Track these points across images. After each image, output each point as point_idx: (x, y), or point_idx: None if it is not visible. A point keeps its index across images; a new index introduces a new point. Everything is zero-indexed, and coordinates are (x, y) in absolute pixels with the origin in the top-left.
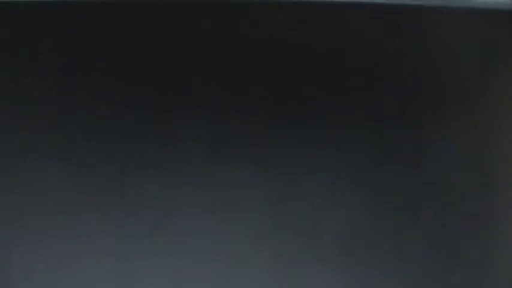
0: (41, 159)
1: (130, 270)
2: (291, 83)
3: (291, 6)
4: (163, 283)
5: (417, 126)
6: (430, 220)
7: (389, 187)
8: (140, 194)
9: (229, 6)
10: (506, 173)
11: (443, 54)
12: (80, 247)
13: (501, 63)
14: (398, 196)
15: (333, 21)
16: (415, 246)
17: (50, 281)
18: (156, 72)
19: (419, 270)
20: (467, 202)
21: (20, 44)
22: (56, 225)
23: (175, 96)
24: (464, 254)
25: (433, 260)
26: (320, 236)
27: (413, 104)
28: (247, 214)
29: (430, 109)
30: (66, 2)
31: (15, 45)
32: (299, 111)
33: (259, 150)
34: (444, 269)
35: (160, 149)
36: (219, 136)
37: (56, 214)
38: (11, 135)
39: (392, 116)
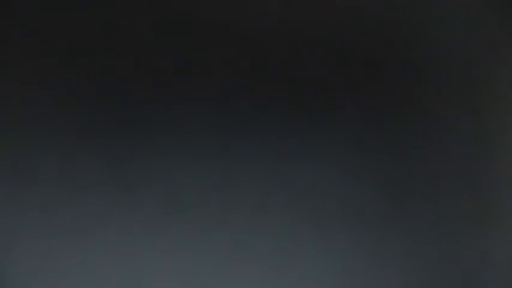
0: (41, 154)
1: (132, 266)
2: (291, 78)
3: None
4: (166, 278)
5: (419, 119)
6: (432, 213)
7: (391, 180)
8: (141, 190)
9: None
10: (508, 166)
11: (446, 45)
12: (81, 243)
13: (504, 54)
14: (399, 188)
15: (333, 12)
16: (416, 239)
17: (52, 278)
18: (156, 68)
19: (419, 261)
20: (468, 195)
21: (19, 43)
22: (57, 222)
23: (176, 92)
24: (464, 246)
25: (433, 252)
26: (322, 218)
27: (415, 98)
28: (248, 199)
29: (432, 103)
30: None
31: (15, 45)
32: (300, 106)
33: (258, 137)
34: (444, 261)
35: (162, 141)
36: (219, 131)
37: (56, 211)
38: (11, 133)
39: (395, 109)
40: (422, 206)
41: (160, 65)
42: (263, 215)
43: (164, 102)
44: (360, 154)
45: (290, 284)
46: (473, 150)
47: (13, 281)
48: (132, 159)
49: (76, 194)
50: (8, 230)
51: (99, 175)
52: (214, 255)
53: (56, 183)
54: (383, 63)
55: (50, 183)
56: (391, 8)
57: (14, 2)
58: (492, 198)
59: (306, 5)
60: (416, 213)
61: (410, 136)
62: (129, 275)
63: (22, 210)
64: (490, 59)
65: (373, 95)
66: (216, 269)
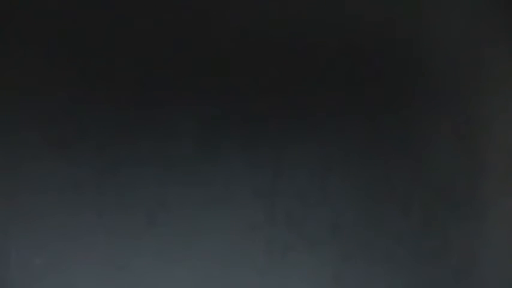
0: (35, 156)
1: (125, 264)
2: (282, 76)
3: None
4: (157, 277)
5: (407, 116)
6: (420, 209)
7: (380, 177)
8: (134, 189)
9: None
10: (496, 161)
11: (436, 44)
12: (74, 243)
13: (496, 53)
14: (388, 186)
15: (332, 13)
16: (405, 236)
17: (47, 276)
18: (147, 68)
19: (408, 258)
20: (457, 192)
21: (18, 43)
22: (51, 222)
23: (166, 92)
24: (453, 242)
25: (423, 248)
26: (311, 226)
27: (404, 95)
28: (239, 206)
29: (420, 99)
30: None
31: (14, 44)
32: (289, 104)
33: (249, 142)
34: (433, 257)
35: (152, 144)
36: (209, 130)
37: (50, 210)
38: (6, 133)
39: (383, 106)
40: (412, 207)
41: (158, 67)
42: (256, 222)
43: (154, 107)
44: (351, 159)
45: None
46: (472, 149)
47: (14, 282)
48: (126, 161)
49: (73, 196)
50: (8, 232)
51: (96, 177)
52: (204, 261)
53: (49, 184)
54: (382, 64)
55: (44, 185)
56: (391, 9)
57: (14, 2)
58: (487, 198)
59: (305, 7)
60: (406, 215)
61: (404, 140)
62: (122, 272)
63: (18, 213)
64: (489, 59)
65: (372, 97)
66: (208, 275)
